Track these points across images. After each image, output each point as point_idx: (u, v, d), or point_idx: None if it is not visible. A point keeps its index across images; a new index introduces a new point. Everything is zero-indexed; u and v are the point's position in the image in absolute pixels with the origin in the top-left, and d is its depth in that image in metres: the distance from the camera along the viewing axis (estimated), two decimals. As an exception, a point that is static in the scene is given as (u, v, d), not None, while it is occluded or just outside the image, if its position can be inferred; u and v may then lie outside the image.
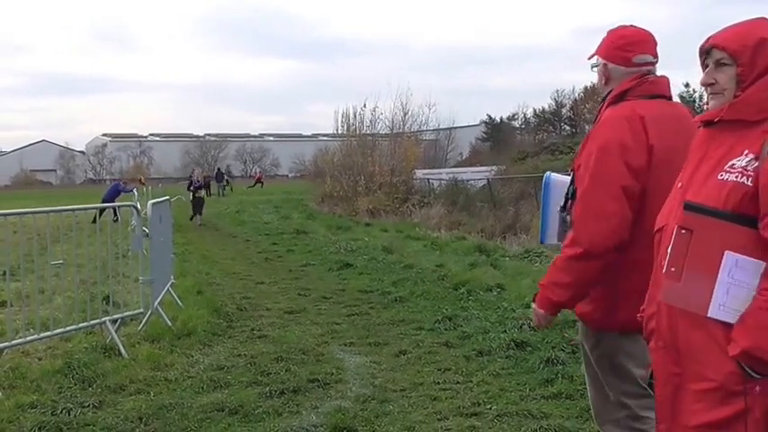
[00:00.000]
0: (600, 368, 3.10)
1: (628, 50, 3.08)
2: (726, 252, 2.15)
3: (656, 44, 3.13)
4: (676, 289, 2.24)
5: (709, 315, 2.16)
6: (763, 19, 2.31)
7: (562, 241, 3.11)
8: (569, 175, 3.22)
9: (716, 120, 2.29)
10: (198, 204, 23.47)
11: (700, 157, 2.33)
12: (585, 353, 3.18)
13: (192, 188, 23.67)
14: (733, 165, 2.19)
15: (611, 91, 3.09)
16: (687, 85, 33.75)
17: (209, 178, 52.66)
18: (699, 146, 2.38)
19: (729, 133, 2.26)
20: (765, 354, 2.06)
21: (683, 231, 2.24)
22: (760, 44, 2.23)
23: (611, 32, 3.16)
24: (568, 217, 3.10)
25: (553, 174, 3.42)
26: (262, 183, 59.84)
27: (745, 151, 2.18)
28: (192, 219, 23.18)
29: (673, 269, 2.26)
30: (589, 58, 3.20)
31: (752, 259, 2.13)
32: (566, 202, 3.14)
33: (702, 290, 2.17)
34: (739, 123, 2.24)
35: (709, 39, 2.32)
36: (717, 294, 2.15)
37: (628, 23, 3.19)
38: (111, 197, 21.72)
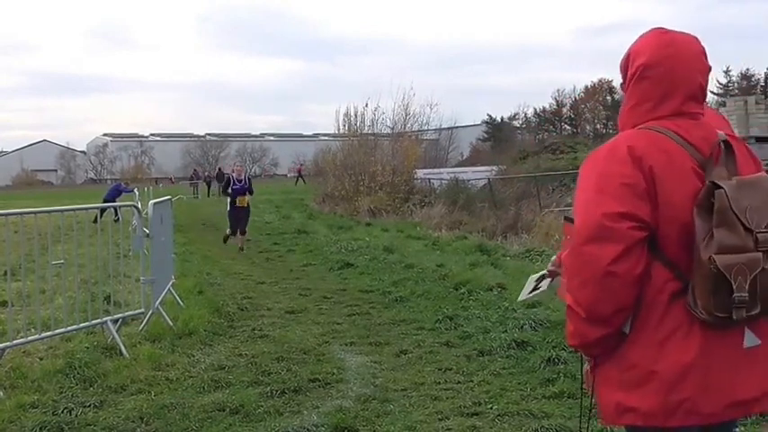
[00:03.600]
0: None
1: None
2: None
3: None
4: (562, 284, 2.60)
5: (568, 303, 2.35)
6: (651, 30, 2.28)
7: None
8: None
9: None
10: (239, 217, 15.22)
11: None
12: None
13: (229, 191, 15.22)
14: None
15: None
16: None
17: (210, 177, 52.33)
18: None
19: None
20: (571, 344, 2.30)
21: (568, 237, 2.59)
22: (625, 59, 2.29)
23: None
24: None
25: None
26: (302, 177, 55.77)
27: None
28: (227, 238, 15.96)
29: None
30: None
31: None
32: None
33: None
34: None
35: None
36: None
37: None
38: (112, 197, 21.76)
